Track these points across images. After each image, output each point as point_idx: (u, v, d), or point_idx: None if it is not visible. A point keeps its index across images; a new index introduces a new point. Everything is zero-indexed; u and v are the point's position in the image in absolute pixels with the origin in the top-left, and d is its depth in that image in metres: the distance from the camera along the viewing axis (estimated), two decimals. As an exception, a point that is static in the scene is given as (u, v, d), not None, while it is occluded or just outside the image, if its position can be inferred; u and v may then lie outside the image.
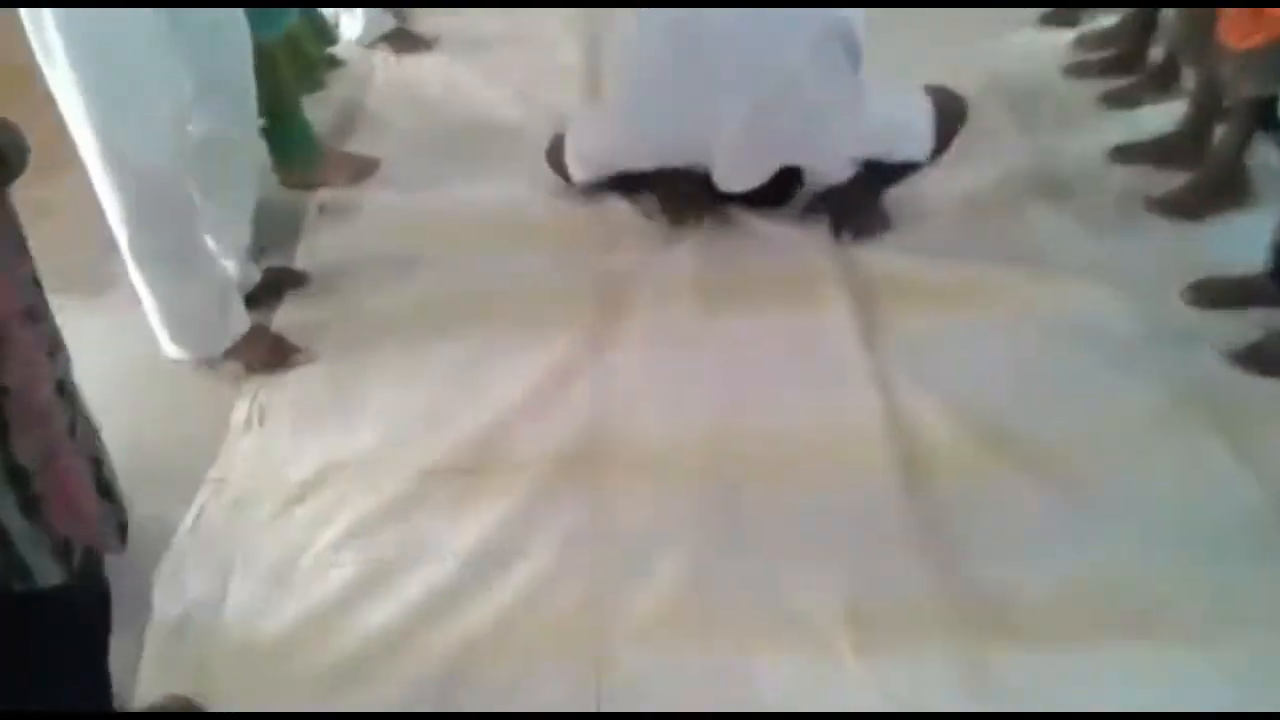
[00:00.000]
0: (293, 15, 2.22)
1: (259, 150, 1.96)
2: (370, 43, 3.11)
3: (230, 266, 1.97)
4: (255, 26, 2.08)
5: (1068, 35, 2.96)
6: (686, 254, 2.19)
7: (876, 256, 2.17)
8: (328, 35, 2.52)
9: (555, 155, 2.39)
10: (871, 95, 2.12)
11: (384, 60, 3.05)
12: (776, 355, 1.93)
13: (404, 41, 3.12)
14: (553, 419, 1.80)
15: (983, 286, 2.07)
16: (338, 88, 2.89)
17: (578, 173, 2.32)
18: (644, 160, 2.23)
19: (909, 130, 2.16)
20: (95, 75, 1.57)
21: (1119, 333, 1.96)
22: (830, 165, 2.17)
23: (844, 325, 1.98)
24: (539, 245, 2.24)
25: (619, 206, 2.34)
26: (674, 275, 2.13)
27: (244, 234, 1.99)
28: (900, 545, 1.58)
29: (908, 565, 1.55)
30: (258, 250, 2.21)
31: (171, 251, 1.77)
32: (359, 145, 2.64)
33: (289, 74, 2.28)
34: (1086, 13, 3.03)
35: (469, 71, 2.95)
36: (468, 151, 2.58)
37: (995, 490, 1.67)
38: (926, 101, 2.18)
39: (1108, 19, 2.97)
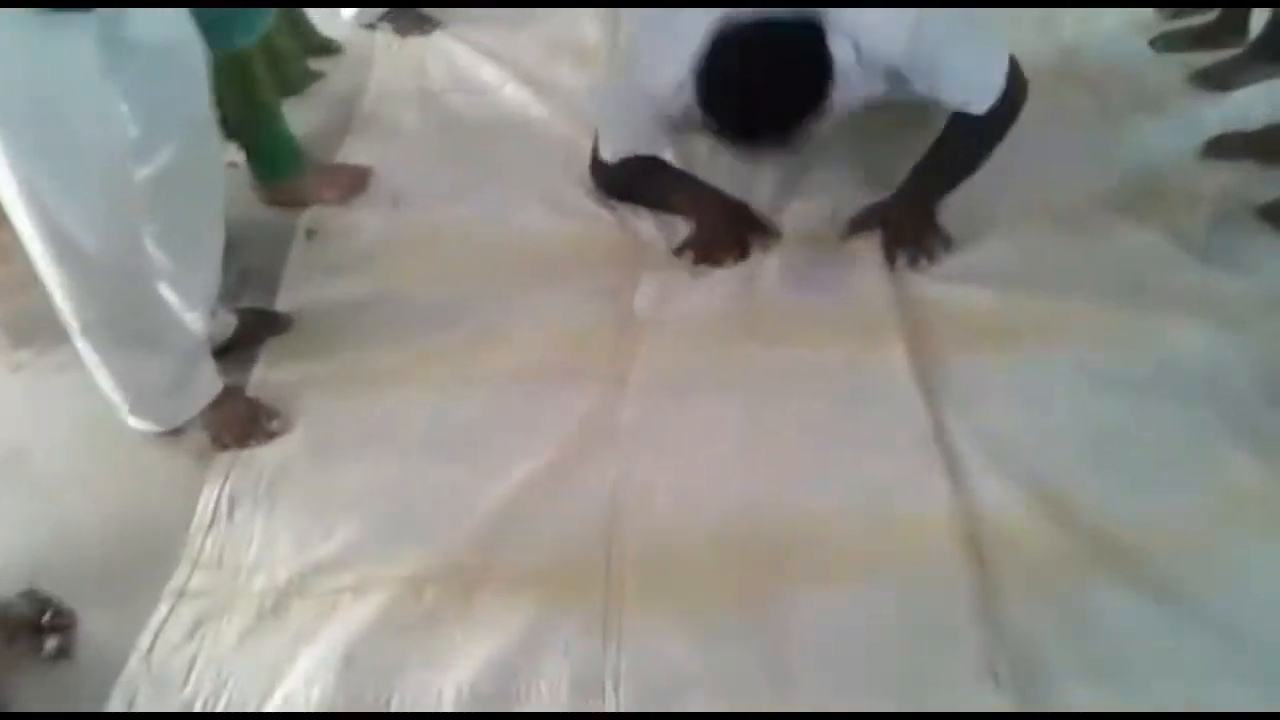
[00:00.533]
0: (268, 20, 1.94)
1: (223, 184, 1.70)
2: (370, 23, 2.84)
3: (196, 320, 1.72)
4: (228, 35, 1.83)
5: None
6: (718, 289, 1.91)
7: (935, 289, 1.87)
8: (310, 36, 2.23)
9: (596, 164, 2.12)
10: (936, 18, 1.72)
11: (385, 44, 2.77)
12: (822, 416, 1.66)
13: (407, 21, 2.84)
14: (563, 510, 1.54)
15: (1060, 324, 1.77)
16: (333, 79, 2.62)
17: (606, 149, 2.04)
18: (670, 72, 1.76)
19: (969, 73, 1.79)
20: (14, 126, 1.32)
21: (1229, 385, 1.66)
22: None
23: (900, 378, 1.70)
24: (553, 277, 1.96)
25: (644, 230, 2.06)
26: (704, 316, 1.85)
27: (211, 282, 1.74)
28: (976, 675, 1.32)
29: (985, 702, 1.29)
30: (238, 282, 1.98)
31: (123, 323, 1.53)
32: (355, 148, 2.37)
33: (266, 82, 2.01)
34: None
35: (478, 56, 2.67)
36: (476, 156, 2.31)
37: (1081, 597, 1.40)
38: (1004, 57, 1.81)
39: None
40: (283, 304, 1.96)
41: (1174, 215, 1.96)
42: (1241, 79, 2.27)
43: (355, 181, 2.21)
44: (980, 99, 1.81)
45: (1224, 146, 2.10)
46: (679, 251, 1.99)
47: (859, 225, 1.98)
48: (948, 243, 1.94)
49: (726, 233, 1.97)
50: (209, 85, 1.59)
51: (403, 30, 2.82)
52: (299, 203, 2.18)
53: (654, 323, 1.85)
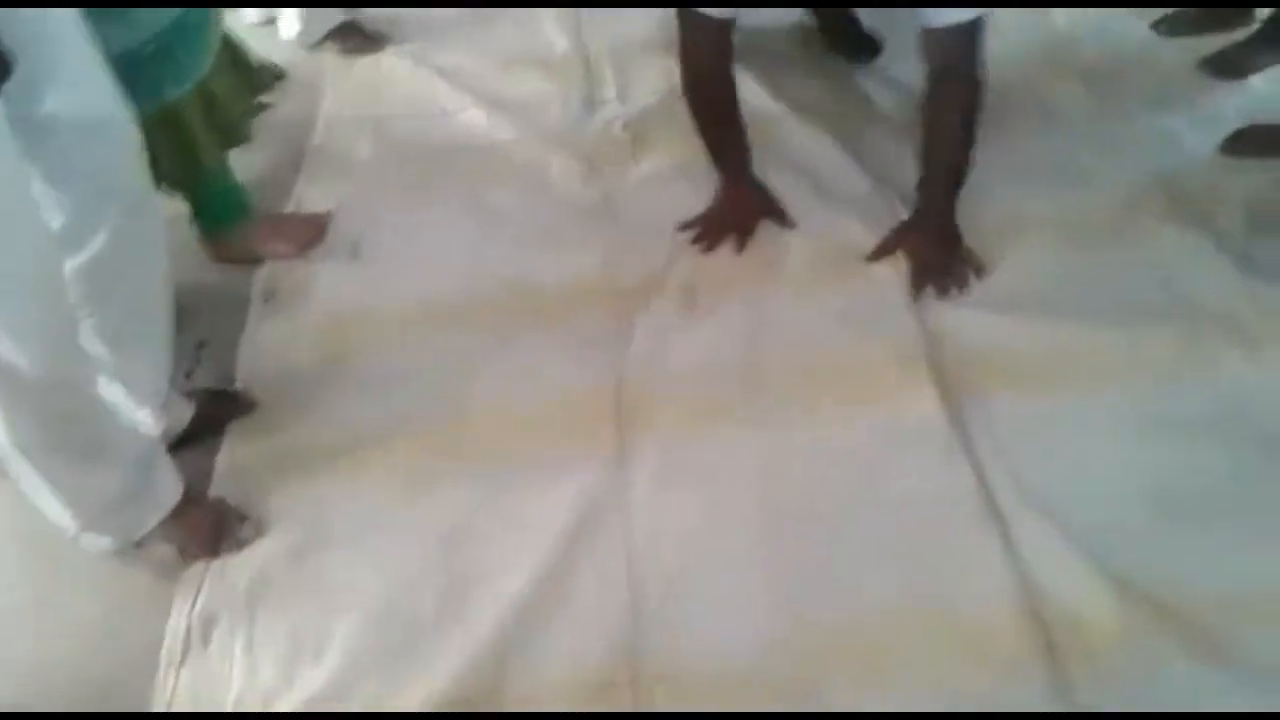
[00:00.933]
0: (203, 65, 1.74)
1: (168, 264, 1.50)
2: (314, 43, 2.62)
3: (147, 417, 1.53)
4: (157, 86, 1.65)
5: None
6: (724, 330, 1.75)
7: (962, 319, 1.72)
8: (255, 81, 2.00)
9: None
10: None
11: (332, 67, 2.56)
12: (852, 485, 1.50)
13: (354, 39, 2.63)
14: (577, 616, 1.38)
15: (1103, 355, 1.63)
16: (279, 110, 2.39)
17: None
18: None
19: None
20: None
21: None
22: None
23: (935, 431, 1.55)
24: (537, 327, 1.79)
25: (631, 264, 1.89)
26: (711, 367, 1.69)
27: (162, 372, 1.55)
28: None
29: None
30: (193, 358, 1.80)
31: (62, 440, 1.33)
32: (309, 190, 2.17)
33: (205, 134, 1.81)
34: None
35: (433, 75, 2.47)
36: (439, 191, 2.12)
37: (1154, 678, 1.27)
38: None
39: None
40: (243, 379, 1.77)
41: (1207, 221, 1.82)
42: (1256, 63, 2.13)
43: (311, 232, 2.01)
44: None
45: (1247, 142, 1.96)
46: (684, 226, 1.93)
47: (883, 251, 1.85)
48: (980, 269, 1.80)
49: (734, 218, 1.92)
50: (143, 153, 1.40)
51: (350, 50, 2.61)
52: (251, 258, 1.98)
53: (655, 379, 1.68)
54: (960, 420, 1.57)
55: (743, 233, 1.91)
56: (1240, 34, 2.20)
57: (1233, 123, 2.01)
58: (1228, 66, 2.15)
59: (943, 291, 1.77)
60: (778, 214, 1.94)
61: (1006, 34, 2.30)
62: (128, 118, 1.35)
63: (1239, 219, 1.82)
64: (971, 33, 1.67)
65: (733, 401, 1.64)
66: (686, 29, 1.82)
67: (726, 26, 1.79)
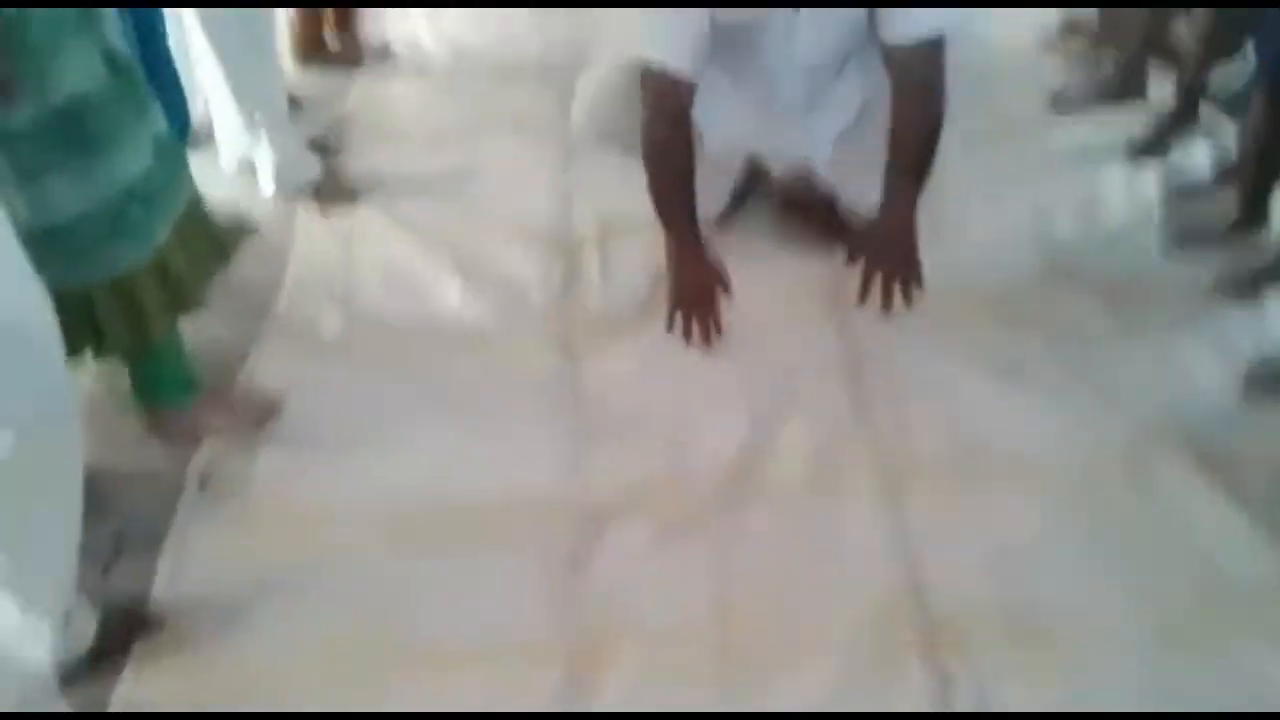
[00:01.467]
0: (162, 235, 1.61)
1: (80, 479, 1.34)
2: (290, 194, 2.50)
3: (42, 634, 1.34)
4: (111, 255, 1.54)
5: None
6: (690, 576, 1.59)
7: (952, 572, 1.56)
8: (219, 246, 1.84)
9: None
10: None
11: (306, 222, 2.43)
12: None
13: (331, 191, 2.51)
14: None
15: (1114, 628, 1.48)
16: (243, 270, 2.21)
17: (647, 46, 1.83)
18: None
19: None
20: None
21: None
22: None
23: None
24: (496, 557, 1.63)
25: (607, 474, 1.76)
26: (674, 613, 1.53)
27: (64, 586, 1.36)
28: None
29: None
30: (111, 551, 1.63)
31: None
32: (264, 363, 2.01)
33: (157, 305, 1.65)
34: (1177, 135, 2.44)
35: (412, 239, 2.33)
36: (408, 377, 1.96)
37: None
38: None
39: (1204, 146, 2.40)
40: (162, 585, 1.59)
41: (1229, 472, 1.67)
42: (1270, 287, 2.01)
43: (262, 414, 1.86)
44: (926, 22, 1.76)
45: (1265, 380, 1.82)
46: (670, 325, 1.97)
47: (853, 256, 2.04)
48: (919, 278, 1.94)
49: (700, 306, 1.96)
50: (62, 355, 1.25)
51: (326, 200, 2.49)
52: (190, 436, 1.82)
53: (613, 620, 1.54)
54: (949, 699, 1.41)
55: (714, 310, 1.96)
56: (1252, 252, 2.09)
57: (1250, 351, 1.88)
58: (1243, 290, 2.02)
59: (889, 279, 1.91)
60: (726, 284, 1.98)
61: (1003, 239, 2.21)
62: (44, 319, 1.21)
63: (1265, 474, 1.67)
64: (932, 53, 1.77)
65: (697, 656, 1.48)
66: (649, 88, 1.85)
67: (687, 89, 1.83)
